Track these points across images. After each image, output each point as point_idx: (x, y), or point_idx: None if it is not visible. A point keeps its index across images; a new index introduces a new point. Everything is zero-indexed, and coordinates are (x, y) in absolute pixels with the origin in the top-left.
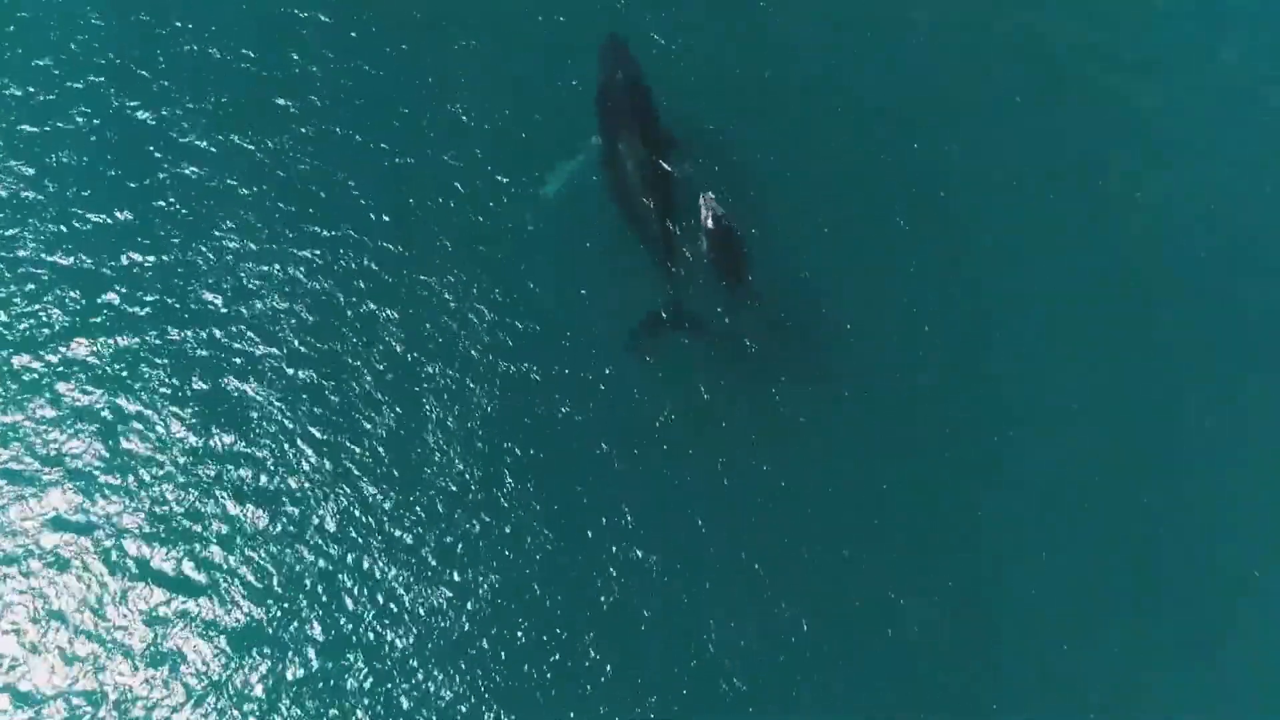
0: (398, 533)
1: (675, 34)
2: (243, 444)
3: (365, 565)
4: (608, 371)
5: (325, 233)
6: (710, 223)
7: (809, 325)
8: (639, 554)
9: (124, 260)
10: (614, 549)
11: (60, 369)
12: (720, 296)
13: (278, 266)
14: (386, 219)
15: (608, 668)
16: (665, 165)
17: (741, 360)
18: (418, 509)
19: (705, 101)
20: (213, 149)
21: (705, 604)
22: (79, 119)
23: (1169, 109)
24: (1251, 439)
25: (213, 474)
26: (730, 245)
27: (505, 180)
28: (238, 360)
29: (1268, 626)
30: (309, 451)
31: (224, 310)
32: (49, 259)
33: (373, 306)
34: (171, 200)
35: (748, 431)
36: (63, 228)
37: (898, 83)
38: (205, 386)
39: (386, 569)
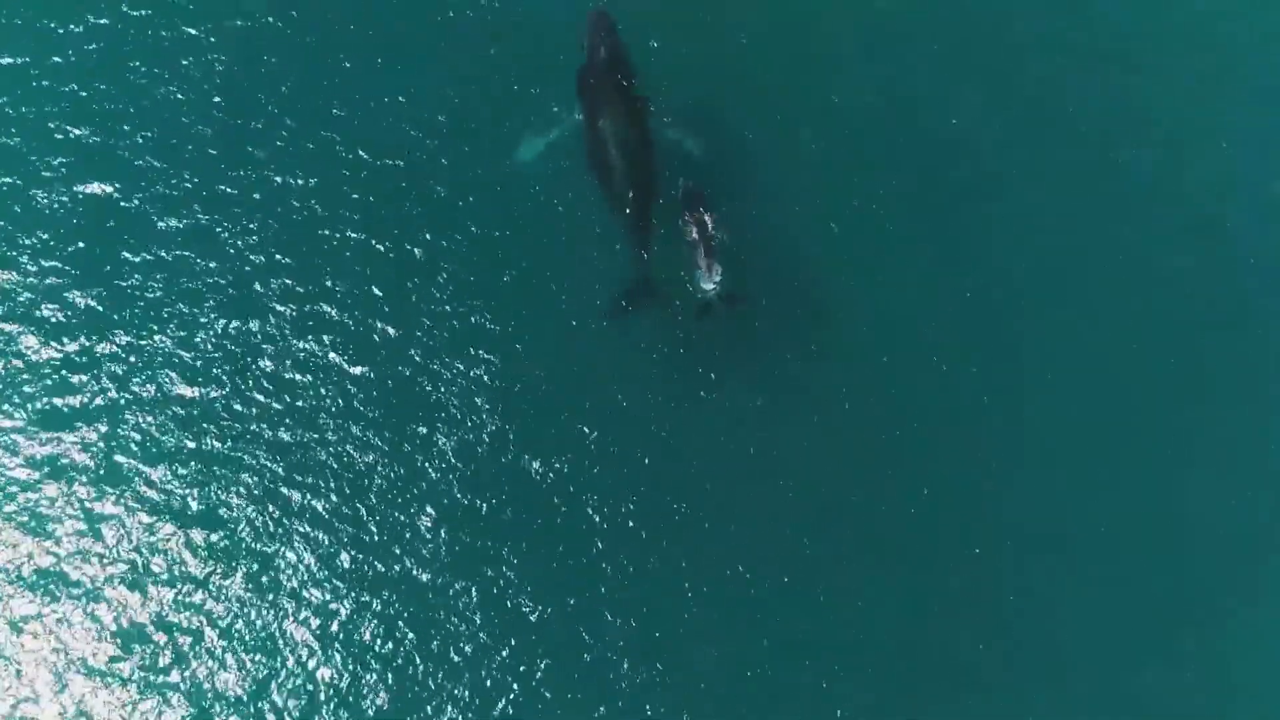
0: (370, 531)
1: (664, 9)
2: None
3: (335, 563)
4: (578, 349)
5: (298, 197)
6: (688, 205)
7: (787, 309)
8: (617, 537)
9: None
10: (591, 534)
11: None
12: (695, 278)
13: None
14: (356, 189)
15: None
16: (645, 144)
17: (715, 342)
18: (390, 498)
19: (692, 78)
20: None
21: (694, 601)
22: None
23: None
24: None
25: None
26: (706, 228)
27: (481, 149)
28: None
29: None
30: (292, 440)
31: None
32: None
33: (343, 285)
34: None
35: (724, 414)
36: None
37: (891, 63)
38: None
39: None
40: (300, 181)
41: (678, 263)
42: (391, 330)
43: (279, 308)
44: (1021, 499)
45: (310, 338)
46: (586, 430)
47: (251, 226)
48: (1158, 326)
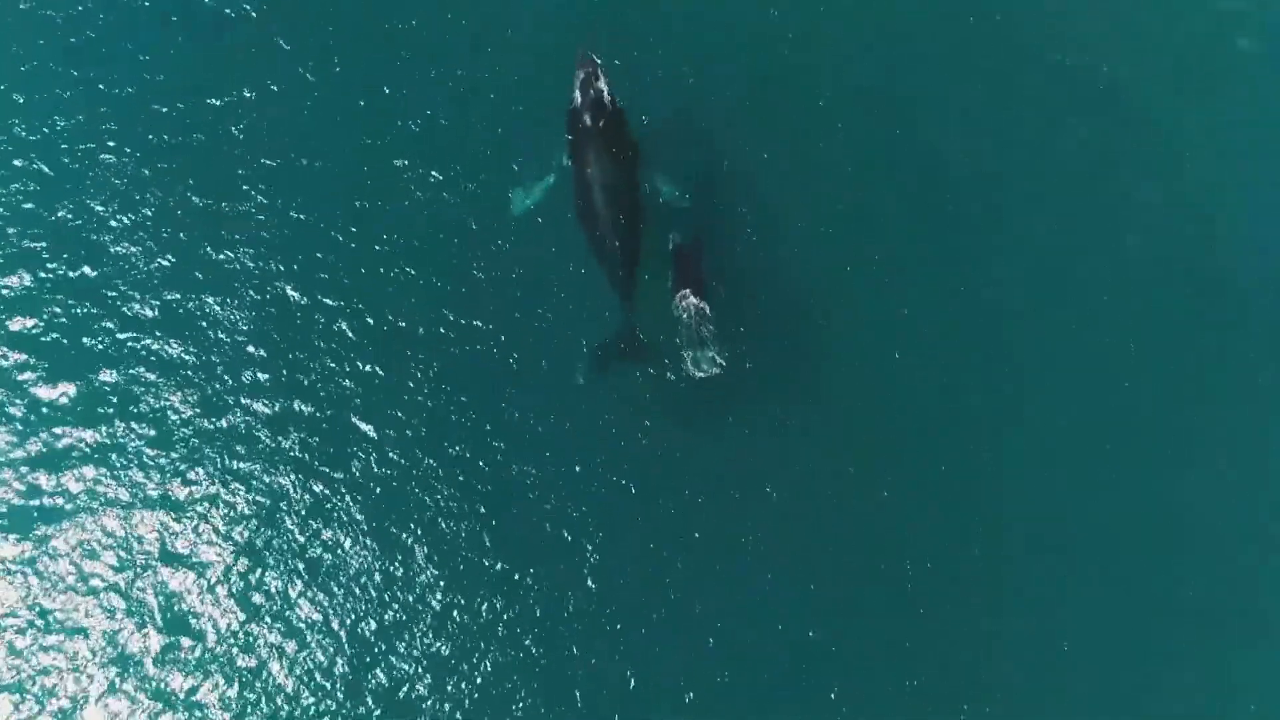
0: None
1: (653, 48)
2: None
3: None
4: (562, 400)
5: (281, 249)
6: (676, 257)
7: (783, 371)
8: (603, 573)
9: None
10: (575, 570)
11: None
12: (682, 329)
13: (242, 280)
14: (347, 232)
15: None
16: (633, 193)
17: (700, 395)
18: (377, 531)
19: (684, 123)
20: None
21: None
22: None
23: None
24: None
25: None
26: (695, 281)
27: (472, 197)
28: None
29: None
30: (290, 480)
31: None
32: None
33: (337, 325)
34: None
35: (708, 462)
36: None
37: (885, 109)
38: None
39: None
40: (284, 233)
41: (668, 319)
42: (379, 372)
43: (258, 374)
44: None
45: (295, 399)
46: (572, 481)
47: (231, 294)
48: (1154, 328)
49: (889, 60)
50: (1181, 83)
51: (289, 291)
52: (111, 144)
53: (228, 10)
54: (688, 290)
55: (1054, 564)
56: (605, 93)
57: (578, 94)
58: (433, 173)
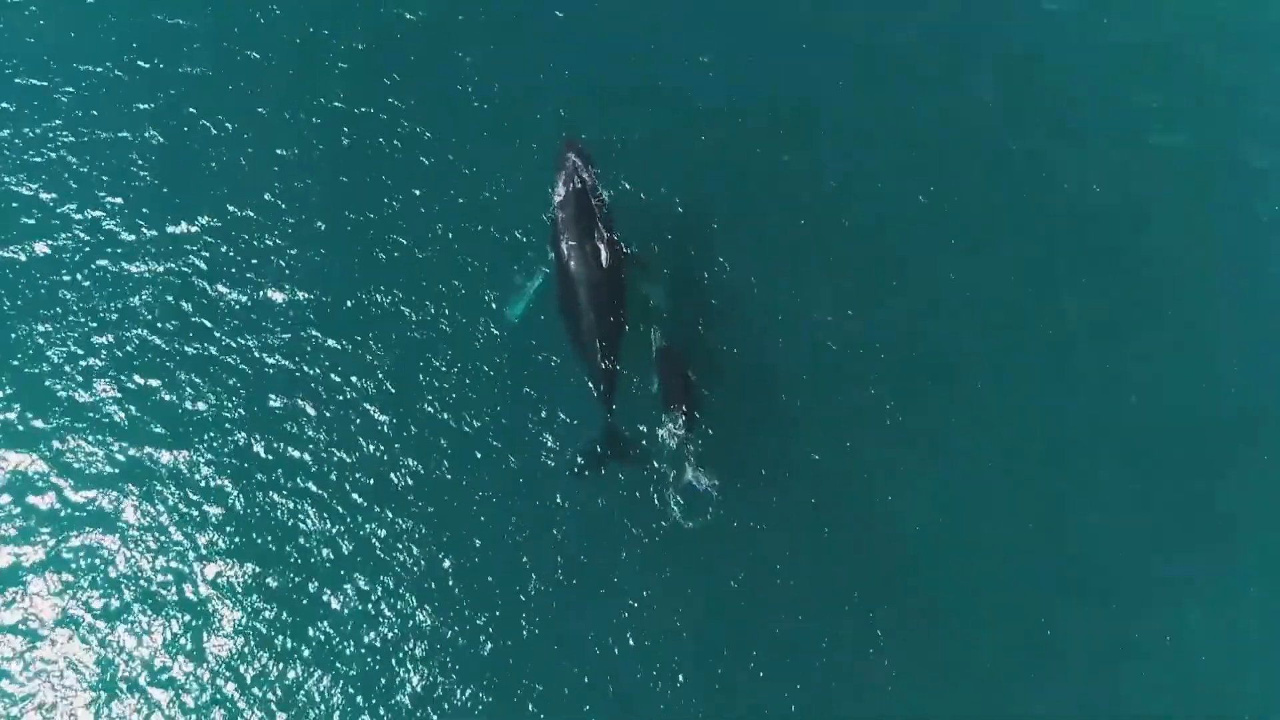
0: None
1: (638, 144)
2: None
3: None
4: (542, 502)
5: (264, 354)
6: (661, 360)
7: (766, 478)
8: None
9: None
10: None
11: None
12: (666, 433)
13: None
14: (336, 341)
15: None
16: (615, 290)
17: (683, 503)
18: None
19: (668, 218)
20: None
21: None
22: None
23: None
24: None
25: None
26: (680, 387)
27: (454, 299)
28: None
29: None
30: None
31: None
32: None
33: (318, 435)
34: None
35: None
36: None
37: (873, 212)
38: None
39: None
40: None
41: (650, 421)
42: (366, 481)
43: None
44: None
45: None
46: (551, 577)
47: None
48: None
49: (877, 161)
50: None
51: (267, 410)
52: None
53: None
54: (675, 405)
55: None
56: (590, 187)
57: (561, 188)
58: (420, 263)
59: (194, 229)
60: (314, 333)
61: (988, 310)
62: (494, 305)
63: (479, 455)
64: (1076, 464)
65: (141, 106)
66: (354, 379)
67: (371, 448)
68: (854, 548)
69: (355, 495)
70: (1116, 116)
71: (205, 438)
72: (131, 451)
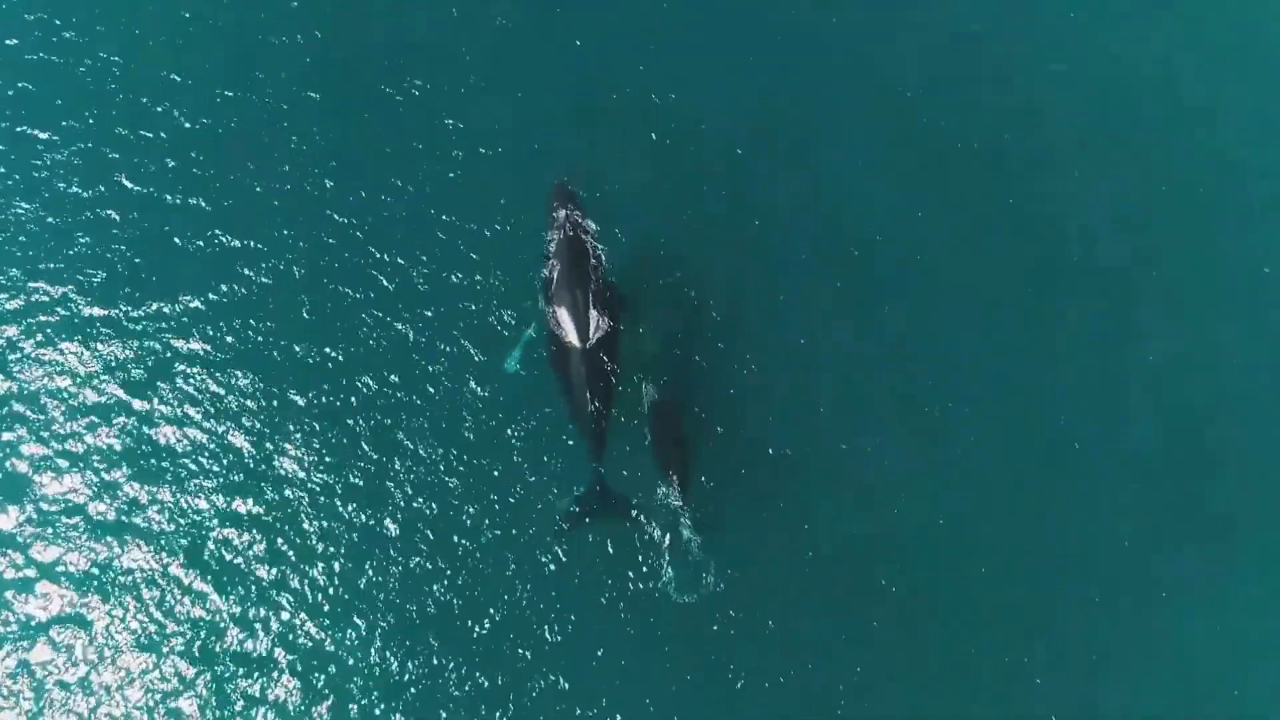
0: None
1: (630, 181)
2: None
3: None
4: (532, 562)
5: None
6: (654, 414)
7: (761, 529)
8: None
9: None
10: None
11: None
12: (659, 491)
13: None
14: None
15: None
16: (608, 338)
17: (673, 561)
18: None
19: (661, 263)
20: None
21: None
22: None
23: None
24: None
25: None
26: (674, 442)
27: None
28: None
29: None
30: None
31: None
32: None
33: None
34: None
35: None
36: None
37: (871, 248)
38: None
39: None
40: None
41: (644, 476)
42: (350, 537)
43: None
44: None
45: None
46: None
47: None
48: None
49: (881, 203)
50: None
51: (253, 468)
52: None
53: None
54: (668, 461)
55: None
56: (581, 231)
57: (552, 234)
58: (406, 312)
59: (174, 308)
60: (298, 382)
61: (993, 378)
62: (477, 356)
63: (465, 512)
64: (1078, 467)
65: (117, 175)
66: (332, 435)
67: (351, 507)
68: (860, 616)
69: (338, 550)
70: (1120, 126)
71: (187, 503)
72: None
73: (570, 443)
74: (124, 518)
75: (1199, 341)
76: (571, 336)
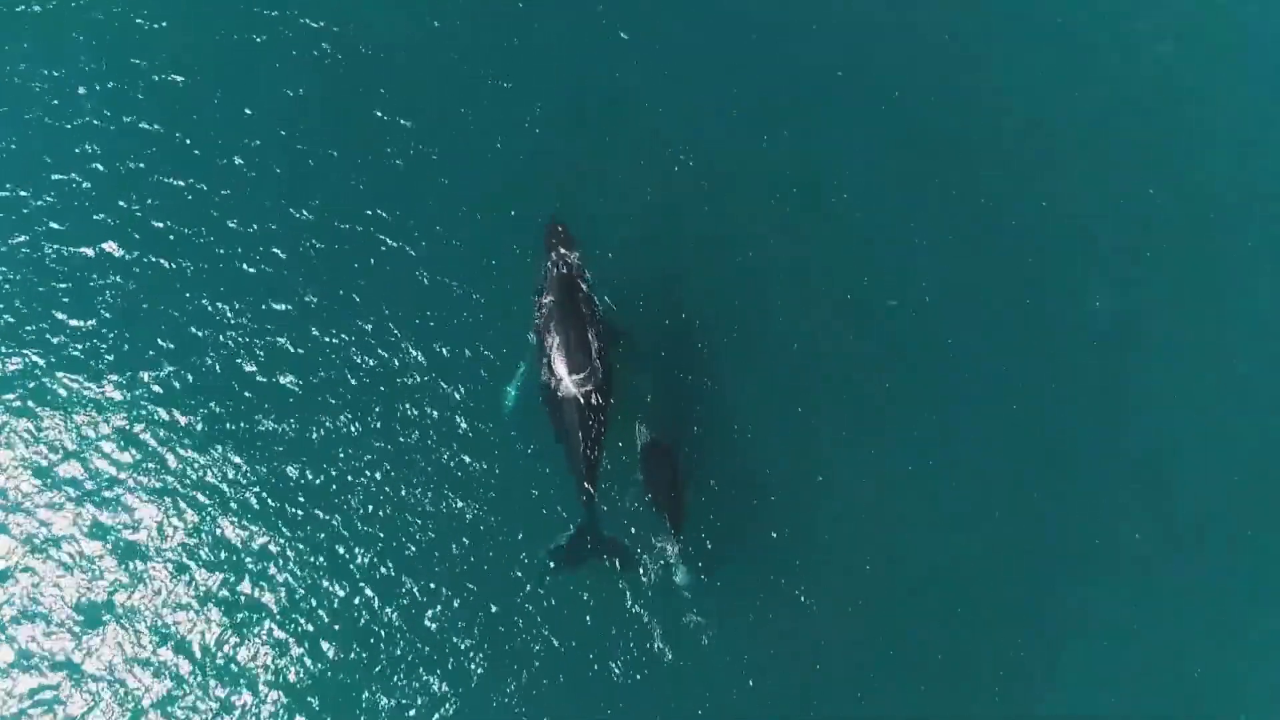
0: None
1: (625, 219)
2: None
3: None
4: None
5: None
6: (647, 454)
7: (748, 567)
8: None
9: None
10: None
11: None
12: (653, 529)
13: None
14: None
15: None
16: (601, 377)
17: (663, 597)
18: None
19: (656, 296)
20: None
21: None
22: None
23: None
24: None
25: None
26: (667, 483)
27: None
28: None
29: None
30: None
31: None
32: None
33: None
34: None
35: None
36: None
37: (861, 281)
38: None
39: None
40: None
41: (636, 517)
42: (338, 580)
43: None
44: None
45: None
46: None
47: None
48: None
49: (876, 239)
50: None
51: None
52: None
53: None
54: (662, 502)
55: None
56: (575, 271)
57: (545, 273)
58: (397, 349)
59: (157, 373)
60: (288, 419)
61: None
62: (469, 394)
63: (453, 550)
64: (1079, 468)
65: (101, 238)
66: (307, 471)
67: (340, 546)
68: (857, 661)
69: (328, 589)
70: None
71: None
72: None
73: (560, 480)
74: (111, 600)
75: (1199, 342)
76: (563, 375)
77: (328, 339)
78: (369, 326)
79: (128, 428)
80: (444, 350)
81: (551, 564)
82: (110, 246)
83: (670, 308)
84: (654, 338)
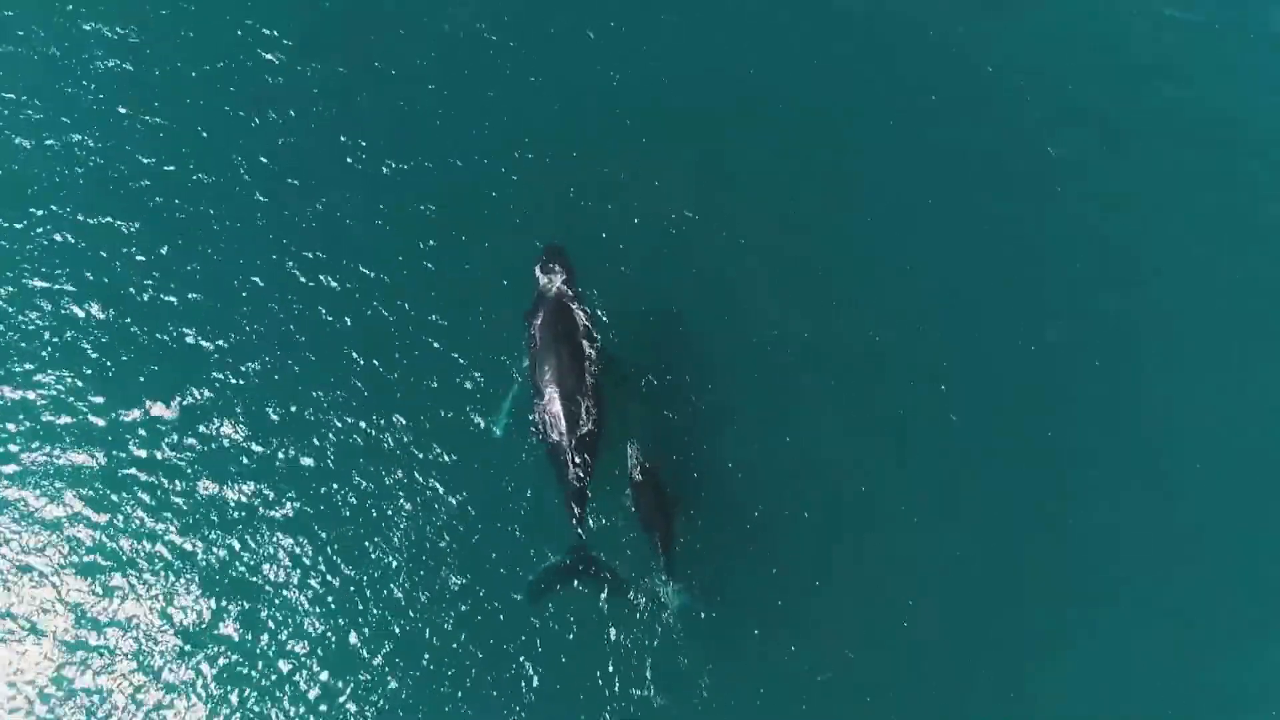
0: None
1: (620, 244)
2: None
3: None
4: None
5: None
6: (639, 479)
7: (739, 593)
8: None
9: None
10: None
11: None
12: (643, 552)
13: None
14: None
15: None
16: (593, 401)
17: (655, 624)
18: None
19: (649, 321)
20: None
21: None
22: None
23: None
24: None
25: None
26: (658, 507)
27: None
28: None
29: None
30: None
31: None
32: None
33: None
34: None
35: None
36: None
37: (857, 309)
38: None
39: None
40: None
41: (627, 541)
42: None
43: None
44: None
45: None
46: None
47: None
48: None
49: (878, 257)
50: None
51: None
52: None
53: None
54: (653, 527)
55: None
56: (569, 295)
57: (540, 296)
58: (390, 370)
59: (146, 411)
60: (277, 443)
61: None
62: (459, 420)
63: (440, 576)
64: (1081, 470)
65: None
66: (293, 494)
67: (329, 570)
68: (851, 688)
69: (318, 616)
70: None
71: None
72: None
73: (551, 503)
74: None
75: (1200, 343)
76: (554, 397)
77: (314, 357)
78: (355, 354)
79: (118, 435)
80: (432, 375)
81: (541, 586)
82: (105, 249)
83: (663, 331)
84: (646, 360)
